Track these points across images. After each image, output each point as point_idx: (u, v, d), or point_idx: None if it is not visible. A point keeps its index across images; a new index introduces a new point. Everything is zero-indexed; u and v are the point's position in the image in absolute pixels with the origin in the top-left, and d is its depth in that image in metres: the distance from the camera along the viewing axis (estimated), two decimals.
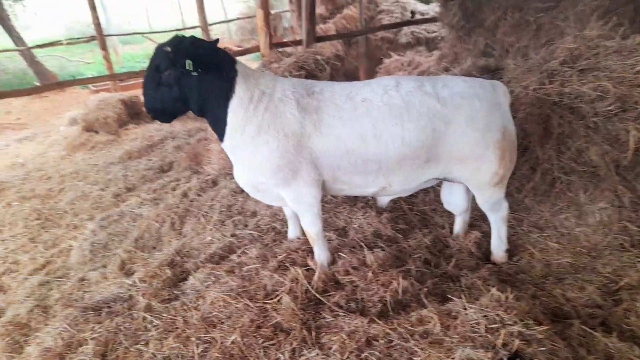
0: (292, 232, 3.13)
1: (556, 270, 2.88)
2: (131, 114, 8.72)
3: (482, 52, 6.05)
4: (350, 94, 2.53)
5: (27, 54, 11.56)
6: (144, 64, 15.69)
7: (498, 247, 2.99)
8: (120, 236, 4.27)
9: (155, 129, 8.15)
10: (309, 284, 2.40)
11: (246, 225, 3.43)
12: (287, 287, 2.38)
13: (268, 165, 2.49)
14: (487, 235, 3.17)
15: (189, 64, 2.35)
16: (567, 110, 3.27)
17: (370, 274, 2.47)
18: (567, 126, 3.26)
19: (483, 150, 2.54)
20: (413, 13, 11.30)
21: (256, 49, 5.00)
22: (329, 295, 2.37)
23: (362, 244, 2.86)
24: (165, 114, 2.65)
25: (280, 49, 4.86)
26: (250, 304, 2.29)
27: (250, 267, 2.66)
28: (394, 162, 2.52)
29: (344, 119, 2.47)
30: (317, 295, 2.35)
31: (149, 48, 18.55)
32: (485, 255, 3.02)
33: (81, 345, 2.25)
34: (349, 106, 2.49)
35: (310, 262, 2.56)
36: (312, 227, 2.66)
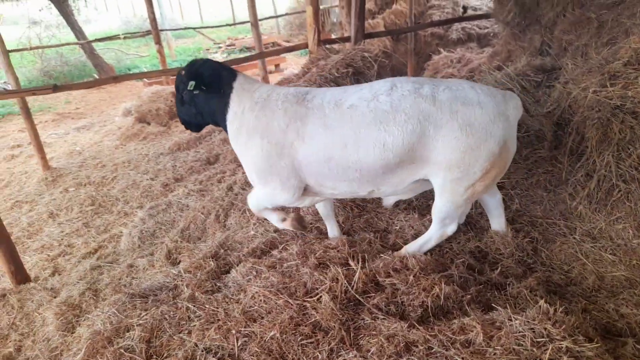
0: (332, 232, 3.18)
1: (610, 284, 2.73)
2: None
3: (538, 51, 5.79)
4: (339, 101, 2.58)
5: (87, 47, 12.16)
6: (197, 57, 16.16)
7: (412, 249, 2.81)
8: (167, 225, 4.43)
9: None
10: (349, 284, 2.39)
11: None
12: (327, 285, 2.38)
13: (253, 166, 2.74)
14: (536, 240, 3.05)
15: (191, 84, 2.72)
16: (629, 115, 3.07)
17: (411, 278, 2.43)
18: (629, 132, 3.06)
19: (474, 161, 2.44)
20: (465, 8, 10.96)
21: (304, 45, 5.01)
22: (369, 297, 2.35)
23: (403, 246, 2.82)
24: (192, 126, 3.07)
25: (327, 46, 4.85)
26: (290, 300, 2.31)
27: (290, 263, 2.68)
28: (376, 168, 2.52)
29: (327, 127, 2.52)
30: (356, 296, 2.34)
31: (201, 42, 19.08)
32: (529, 264, 2.90)
33: (128, 331, 2.36)
34: (334, 114, 2.54)
35: (351, 262, 2.54)
36: (255, 208, 2.92)
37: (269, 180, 2.71)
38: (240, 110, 2.73)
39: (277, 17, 16.68)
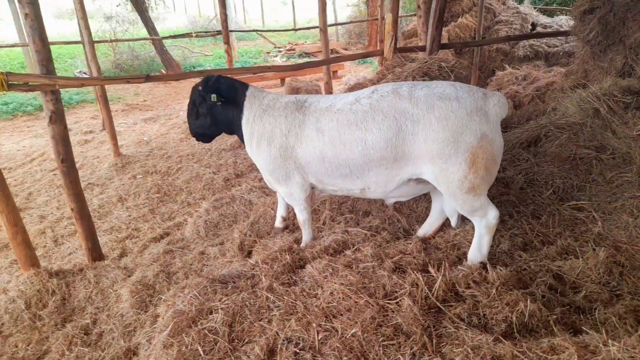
0: (280, 210, 3.65)
1: None
2: None
3: (619, 72, 5.54)
4: (330, 106, 2.89)
5: (157, 43, 12.74)
6: (257, 60, 16.57)
7: (474, 256, 2.83)
8: (230, 218, 4.54)
9: None
10: (430, 290, 2.37)
11: (357, 224, 3.48)
12: (407, 290, 2.36)
13: (266, 168, 3.12)
14: (622, 266, 2.90)
15: (213, 97, 3.07)
16: None
17: (493, 291, 2.38)
18: None
19: (453, 151, 2.58)
20: (534, 25, 10.67)
21: (379, 52, 5.03)
22: (449, 306, 2.32)
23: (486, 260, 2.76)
24: (205, 137, 3.45)
25: (402, 54, 4.85)
26: (370, 300, 2.31)
27: (366, 264, 2.68)
28: (361, 164, 2.80)
29: (319, 130, 2.86)
30: (437, 303, 2.31)
31: (262, 45, 19.58)
32: (615, 290, 2.76)
33: (211, 313, 2.43)
34: (326, 117, 2.86)
35: (431, 269, 2.52)
36: (300, 215, 3.28)
37: (281, 180, 3.11)
38: (251, 116, 3.10)
39: (342, 24, 16.81)
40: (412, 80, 4.33)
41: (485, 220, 2.79)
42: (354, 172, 2.86)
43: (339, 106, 2.85)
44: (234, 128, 3.26)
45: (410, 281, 2.43)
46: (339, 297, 2.39)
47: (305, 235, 3.36)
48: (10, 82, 3.33)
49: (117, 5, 14.20)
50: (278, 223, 3.71)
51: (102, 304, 3.53)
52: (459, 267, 2.63)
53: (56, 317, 3.42)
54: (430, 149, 2.61)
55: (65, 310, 3.50)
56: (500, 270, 2.59)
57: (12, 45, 10.95)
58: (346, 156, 2.80)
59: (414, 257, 2.75)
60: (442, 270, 2.48)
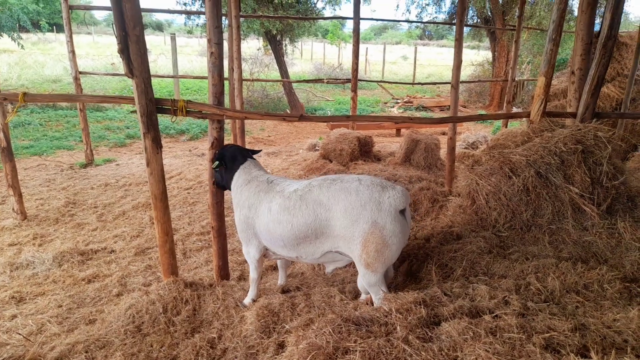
0: (280, 280, 4.33)
1: None
2: (362, 151, 9.41)
3: None
4: (281, 191, 3.54)
5: (287, 85, 13.73)
6: (374, 109, 17.02)
7: (363, 298, 3.70)
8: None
9: (380, 169, 8.64)
10: None
11: (494, 288, 3.28)
12: None
13: (237, 227, 3.84)
14: None
15: (216, 163, 3.85)
16: None
17: None
18: None
19: (351, 234, 3.22)
20: None
21: (526, 114, 4.88)
22: None
23: None
24: (220, 186, 4.10)
25: (551, 119, 4.64)
26: None
27: (512, 335, 2.49)
28: (291, 240, 3.46)
29: (269, 209, 3.52)
30: None
31: (379, 95, 20.15)
32: None
33: (347, 353, 2.42)
34: (276, 199, 3.51)
35: (593, 355, 2.26)
36: (252, 274, 3.93)
37: (245, 239, 3.82)
38: (237, 184, 3.79)
39: (471, 82, 16.72)
40: (563, 145, 4.09)
41: (375, 297, 3.36)
42: (287, 245, 3.53)
43: (285, 192, 3.49)
44: (229, 189, 3.92)
45: None
46: None
47: (250, 292, 3.95)
48: (188, 109, 3.79)
49: (258, 49, 15.71)
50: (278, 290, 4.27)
51: (227, 321, 3.69)
52: (625, 358, 2.32)
53: (187, 325, 3.65)
54: (337, 232, 3.28)
55: (195, 321, 3.72)
56: None
57: (167, 76, 12.53)
58: (281, 233, 3.47)
59: (566, 337, 2.49)
60: (609, 359, 2.21)
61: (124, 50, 3.30)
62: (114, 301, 4.37)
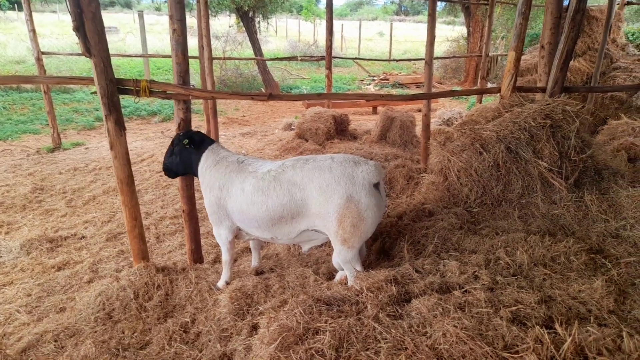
0: (254, 261, 4.31)
1: None
2: (338, 129, 9.35)
3: None
4: (254, 171, 3.51)
5: (260, 63, 13.46)
6: (350, 86, 16.89)
7: (339, 276, 3.69)
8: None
9: (356, 147, 8.61)
10: (556, 350, 2.16)
11: (464, 264, 3.32)
12: (530, 346, 2.18)
13: (207, 209, 3.77)
14: None
15: (186, 141, 3.71)
16: None
17: None
18: None
19: (326, 211, 3.23)
20: None
21: (497, 89, 4.88)
22: None
23: (622, 326, 2.48)
24: (171, 172, 3.96)
25: (521, 94, 4.65)
26: (488, 350, 2.17)
27: (480, 309, 2.53)
28: (266, 221, 3.45)
29: (242, 190, 3.49)
30: None
31: (356, 72, 19.99)
32: None
33: (317, 334, 2.42)
34: (248, 180, 3.48)
35: (557, 327, 2.31)
36: (224, 256, 3.87)
37: (216, 221, 3.76)
38: (205, 165, 3.71)
39: (446, 58, 16.66)
40: (532, 120, 4.12)
41: (349, 274, 3.40)
42: (262, 226, 3.51)
43: (259, 173, 3.47)
44: (194, 170, 3.84)
45: (533, 336, 2.24)
46: (452, 340, 2.26)
47: (224, 275, 3.91)
48: (151, 89, 3.65)
49: (230, 27, 15.29)
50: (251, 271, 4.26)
51: (201, 305, 3.65)
52: (588, 328, 2.38)
53: (159, 310, 3.61)
54: (313, 210, 3.29)
55: (168, 306, 3.68)
56: (638, 340, 2.31)
57: (135, 56, 12.12)
58: (255, 213, 3.44)
59: (532, 309, 2.55)
60: (572, 330, 2.26)
61: (79, 28, 3.14)
62: (85, 288, 4.28)
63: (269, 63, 15.00)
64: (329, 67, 9.62)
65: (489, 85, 15.57)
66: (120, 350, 3.22)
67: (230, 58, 11.37)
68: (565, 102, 4.30)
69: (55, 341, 3.36)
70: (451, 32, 23.57)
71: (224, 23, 16.94)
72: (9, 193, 6.79)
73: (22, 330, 3.62)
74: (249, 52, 14.85)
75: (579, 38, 9.92)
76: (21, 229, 5.64)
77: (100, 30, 3.26)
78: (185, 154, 3.81)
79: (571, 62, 10.21)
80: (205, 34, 7.03)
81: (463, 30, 20.69)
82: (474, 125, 4.46)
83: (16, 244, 5.10)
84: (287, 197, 3.32)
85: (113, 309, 3.60)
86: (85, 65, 16.70)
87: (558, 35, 4.63)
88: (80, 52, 3.39)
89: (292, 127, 10.26)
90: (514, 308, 2.55)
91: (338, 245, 3.30)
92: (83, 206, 6.40)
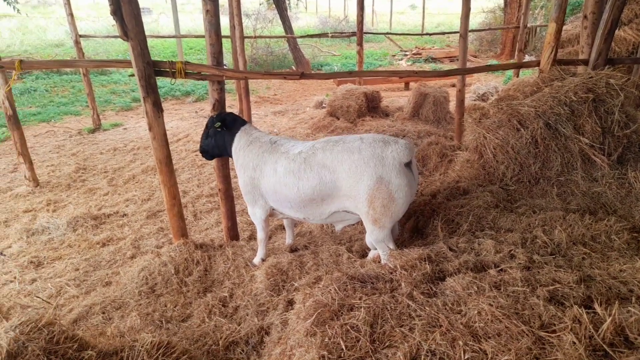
0: (288, 239, 4.37)
1: None
2: (370, 107, 9.25)
3: None
4: (286, 152, 3.53)
5: (291, 41, 13.38)
6: (382, 62, 16.60)
7: (372, 254, 3.71)
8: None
9: (388, 124, 8.52)
10: (595, 330, 2.14)
11: (500, 242, 3.29)
12: (567, 325, 2.16)
13: (242, 189, 3.85)
14: None
15: (217, 124, 3.82)
16: None
17: None
18: None
19: (356, 192, 3.24)
20: None
21: (535, 63, 4.70)
22: (620, 352, 2.07)
23: None
24: (207, 154, 4.06)
25: (562, 67, 4.46)
26: (525, 329, 2.16)
27: (516, 289, 2.52)
28: (298, 202, 3.50)
29: (275, 170, 3.53)
30: (605, 347, 2.08)
31: (388, 47, 19.58)
32: None
33: (352, 310, 2.47)
34: (281, 161, 3.51)
35: (597, 307, 2.28)
36: (260, 234, 3.98)
37: (250, 201, 3.84)
38: (239, 146, 3.78)
39: (481, 30, 16.10)
40: (574, 95, 3.96)
41: (382, 254, 3.42)
42: (294, 207, 3.58)
43: (290, 154, 3.49)
44: (228, 151, 3.91)
45: (571, 316, 2.21)
46: (488, 319, 2.27)
47: (259, 252, 4.01)
48: (187, 71, 3.72)
49: (260, 4, 15.20)
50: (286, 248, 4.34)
51: (238, 280, 3.78)
52: (629, 308, 2.34)
53: (199, 285, 3.76)
54: (345, 192, 3.30)
55: (207, 281, 3.83)
56: None
57: (168, 37, 12.27)
58: (287, 194, 3.50)
59: (571, 289, 2.51)
60: (612, 310, 2.22)
61: (116, 12, 3.21)
62: (128, 263, 4.49)
63: (299, 40, 14.89)
64: (360, 43, 9.48)
65: (527, 58, 14.95)
66: (164, 322, 3.39)
67: (261, 36, 11.36)
68: (609, 74, 4.10)
69: (103, 313, 3.56)
70: (487, 3, 22.63)
71: (254, 1, 16.86)
72: (54, 172, 7.12)
73: (72, 303, 3.85)
74: (279, 29, 14.75)
75: (625, 5, 9.34)
76: (67, 207, 5.93)
77: (136, 14, 3.33)
78: (219, 136, 3.89)
79: (616, 32, 9.69)
80: (236, 13, 7.03)
81: (499, 0, 19.83)
82: (511, 100, 4.33)
83: (63, 222, 5.37)
84: (317, 179, 3.35)
85: (155, 284, 3.77)
86: (121, 47, 17.06)
87: (603, 3, 4.39)
88: (117, 34, 3.47)
89: (324, 105, 10.22)
90: (551, 287, 2.52)
91: (369, 225, 3.31)
92: (124, 185, 6.66)
